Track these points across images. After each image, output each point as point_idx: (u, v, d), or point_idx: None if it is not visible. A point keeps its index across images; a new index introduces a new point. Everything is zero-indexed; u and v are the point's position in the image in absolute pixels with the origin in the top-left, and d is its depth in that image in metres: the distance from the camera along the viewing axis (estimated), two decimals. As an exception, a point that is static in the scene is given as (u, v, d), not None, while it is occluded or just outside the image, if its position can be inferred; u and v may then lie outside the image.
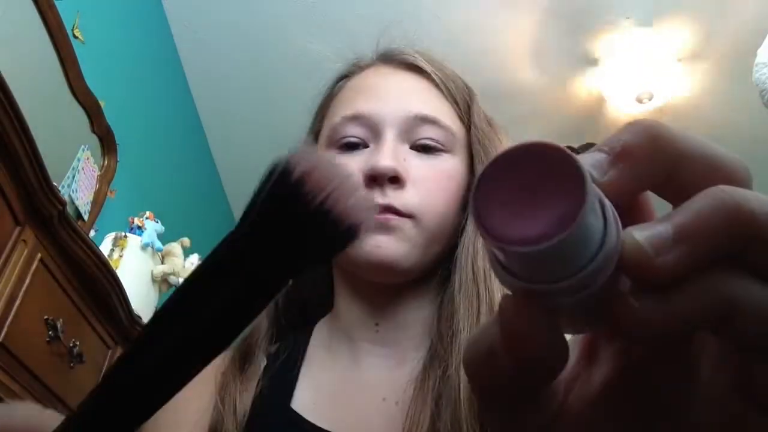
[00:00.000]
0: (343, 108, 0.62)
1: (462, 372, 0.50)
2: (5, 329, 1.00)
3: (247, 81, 3.06)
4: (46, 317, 1.12)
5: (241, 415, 0.54)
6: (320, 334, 0.63)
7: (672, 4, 2.72)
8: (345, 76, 0.68)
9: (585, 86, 3.09)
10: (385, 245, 0.55)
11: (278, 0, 2.74)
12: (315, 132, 0.68)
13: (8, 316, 1.01)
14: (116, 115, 2.14)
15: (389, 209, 0.55)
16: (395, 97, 0.61)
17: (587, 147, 2.31)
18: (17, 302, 1.04)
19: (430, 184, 0.58)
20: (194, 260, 2.15)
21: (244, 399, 0.55)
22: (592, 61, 2.98)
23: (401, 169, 0.56)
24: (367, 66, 0.68)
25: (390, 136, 0.58)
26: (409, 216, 0.56)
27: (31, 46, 1.76)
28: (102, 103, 2.05)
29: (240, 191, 3.71)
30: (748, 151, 3.24)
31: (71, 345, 1.20)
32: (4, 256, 1.02)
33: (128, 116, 2.33)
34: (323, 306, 0.65)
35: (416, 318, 0.59)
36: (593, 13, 2.76)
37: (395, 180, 0.56)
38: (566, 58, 2.96)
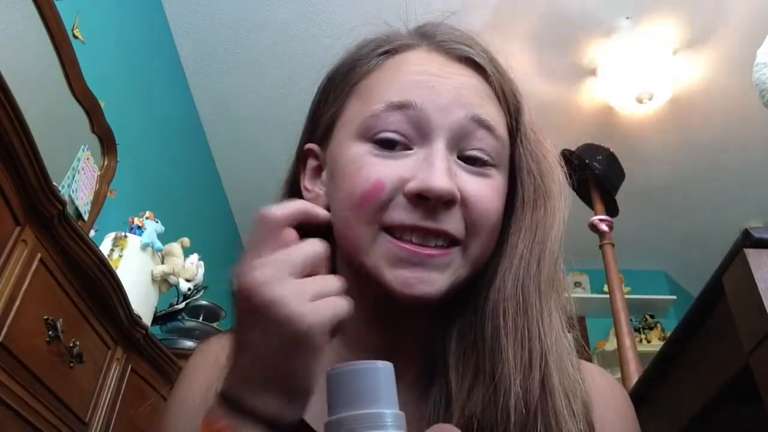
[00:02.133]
0: (388, 91, 0.53)
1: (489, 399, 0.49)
2: (5, 329, 1.00)
3: (246, 81, 3.07)
4: (46, 317, 1.12)
5: None
6: None
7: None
8: (385, 52, 0.57)
9: (589, 96, 3.12)
10: (432, 279, 0.50)
11: (278, 1, 2.74)
12: (335, 110, 0.57)
13: (8, 316, 1.01)
14: (116, 115, 2.14)
15: (439, 234, 0.50)
16: (452, 91, 0.53)
17: (585, 148, 2.31)
18: (17, 302, 1.03)
19: (483, 206, 0.51)
20: (194, 260, 2.15)
21: None
22: (590, 72, 3.02)
23: (456, 192, 0.50)
24: (413, 46, 0.58)
25: (441, 146, 0.51)
26: (456, 242, 0.51)
27: (31, 46, 1.76)
28: (102, 103, 2.05)
29: (240, 191, 3.71)
30: (759, 131, 3.20)
31: (71, 345, 1.19)
32: (4, 256, 1.01)
33: (128, 116, 2.33)
34: None
35: (424, 322, 0.56)
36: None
37: (449, 202, 0.50)
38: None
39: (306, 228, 0.61)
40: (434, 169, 0.49)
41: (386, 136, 0.51)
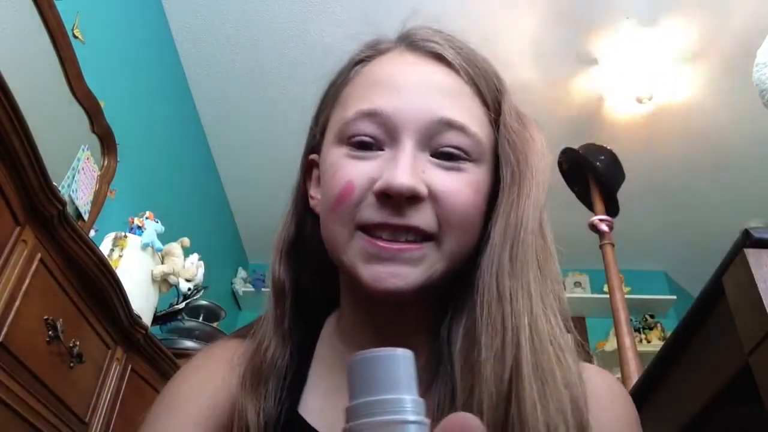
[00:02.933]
0: (359, 100, 0.55)
1: (477, 393, 0.48)
2: (5, 329, 1.00)
3: (246, 81, 3.07)
4: (46, 317, 1.12)
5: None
6: (327, 331, 0.62)
7: (673, 3, 2.72)
8: (362, 60, 0.60)
9: (584, 86, 3.09)
10: (404, 274, 0.50)
11: (277, 1, 2.74)
12: (324, 119, 0.60)
13: (8, 316, 1.01)
14: (116, 115, 2.14)
15: (409, 229, 0.51)
16: (418, 95, 0.54)
17: (588, 147, 2.31)
18: (17, 302, 1.03)
19: (453, 200, 0.52)
20: (194, 260, 2.15)
21: (260, 414, 0.54)
22: (592, 61, 2.98)
23: (420, 187, 0.50)
24: (388, 50, 0.59)
25: (408, 145, 0.52)
26: (429, 237, 0.52)
27: (31, 46, 1.76)
28: (102, 103, 2.05)
29: (240, 191, 3.71)
30: (749, 150, 3.24)
31: (71, 345, 1.19)
32: (4, 256, 1.01)
33: (128, 116, 2.33)
34: (331, 298, 0.63)
35: (420, 321, 0.57)
36: (594, 12, 2.76)
37: (413, 198, 0.51)
38: (566, 57, 2.95)
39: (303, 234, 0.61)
40: (397, 167, 0.50)
41: (357, 140, 0.53)
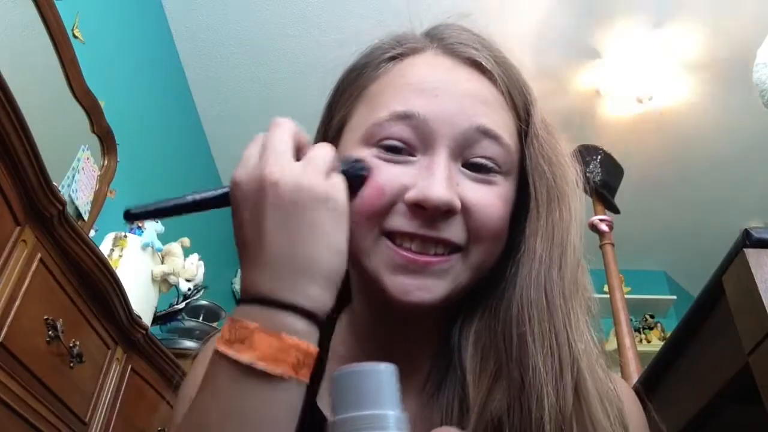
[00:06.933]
0: (393, 100, 0.53)
1: (490, 399, 0.49)
2: (5, 329, 1.00)
3: (246, 81, 3.07)
4: (46, 317, 1.12)
5: None
6: (340, 327, 0.61)
7: (679, 7, 2.71)
8: (392, 57, 0.57)
9: (582, 78, 3.07)
10: (431, 287, 0.50)
11: (277, 1, 2.74)
12: (344, 113, 0.58)
13: (8, 316, 1.01)
14: (116, 115, 2.14)
15: (439, 241, 0.50)
16: (456, 101, 0.52)
17: (587, 148, 2.31)
18: (17, 302, 1.03)
19: (486, 214, 0.51)
20: (194, 260, 2.15)
21: None
22: (595, 54, 2.96)
23: (456, 202, 0.49)
24: (421, 49, 0.57)
25: (443, 154, 0.51)
26: (457, 248, 0.51)
27: (31, 46, 1.76)
28: (102, 103, 2.05)
29: (240, 191, 3.70)
30: (749, 151, 3.24)
31: (71, 345, 1.19)
32: (4, 256, 1.01)
33: (128, 116, 2.33)
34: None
35: (432, 324, 0.56)
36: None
37: (447, 212, 0.50)
38: (569, 46, 2.93)
39: None
40: (434, 179, 0.49)
41: (390, 143, 0.52)
